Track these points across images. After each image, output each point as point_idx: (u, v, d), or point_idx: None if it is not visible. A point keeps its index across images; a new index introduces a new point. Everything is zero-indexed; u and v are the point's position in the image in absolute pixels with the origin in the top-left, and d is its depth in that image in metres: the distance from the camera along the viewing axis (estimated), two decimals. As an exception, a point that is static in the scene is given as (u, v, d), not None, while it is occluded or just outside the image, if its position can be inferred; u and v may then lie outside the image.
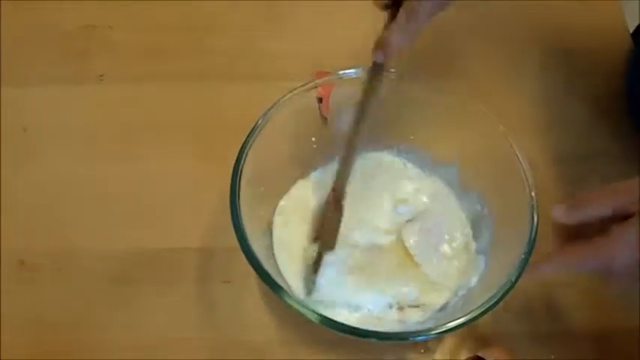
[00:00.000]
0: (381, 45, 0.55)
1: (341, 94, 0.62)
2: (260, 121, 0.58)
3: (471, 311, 0.51)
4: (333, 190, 0.59)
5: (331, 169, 0.61)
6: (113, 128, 0.69)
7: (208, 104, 0.71)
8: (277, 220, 0.61)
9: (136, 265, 0.62)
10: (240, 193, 0.55)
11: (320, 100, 0.62)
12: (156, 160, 0.67)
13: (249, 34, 0.76)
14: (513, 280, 0.52)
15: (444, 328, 0.51)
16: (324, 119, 0.63)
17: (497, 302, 0.52)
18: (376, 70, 0.58)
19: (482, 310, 0.51)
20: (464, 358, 0.55)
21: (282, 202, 0.62)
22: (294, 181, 0.63)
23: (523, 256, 0.53)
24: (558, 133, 0.70)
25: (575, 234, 0.52)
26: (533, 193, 0.55)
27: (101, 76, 0.72)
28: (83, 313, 0.59)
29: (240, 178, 0.55)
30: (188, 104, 0.71)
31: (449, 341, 0.58)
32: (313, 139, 0.63)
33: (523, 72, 0.74)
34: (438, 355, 0.56)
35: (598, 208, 0.50)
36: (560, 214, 0.51)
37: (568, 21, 0.78)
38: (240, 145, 0.57)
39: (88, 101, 0.71)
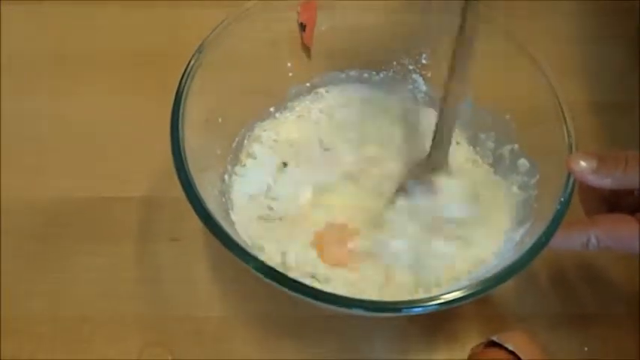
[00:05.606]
0: None
1: (331, 19, 0.56)
2: (213, 35, 0.51)
3: (485, 279, 0.43)
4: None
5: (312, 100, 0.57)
6: (43, 54, 0.63)
7: (161, 27, 0.65)
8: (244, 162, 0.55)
9: (63, 218, 0.55)
10: (186, 126, 0.47)
11: (302, 26, 0.56)
12: (94, 93, 0.62)
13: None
14: (544, 239, 0.44)
15: (446, 299, 0.42)
16: (308, 51, 0.57)
17: (520, 267, 0.43)
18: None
19: (500, 277, 0.43)
20: (475, 344, 0.48)
21: (247, 141, 0.56)
22: (261, 117, 0.57)
23: (558, 207, 0.45)
24: (595, 76, 0.65)
25: (609, 202, 0.48)
26: (572, 141, 0.48)
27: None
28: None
29: (184, 103, 0.48)
30: (136, 27, 0.65)
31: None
32: (289, 64, 0.57)
33: (559, 8, 0.69)
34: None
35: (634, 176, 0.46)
36: (583, 170, 0.46)
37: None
38: (186, 64, 0.49)
39: (14, 21, 0.65)
